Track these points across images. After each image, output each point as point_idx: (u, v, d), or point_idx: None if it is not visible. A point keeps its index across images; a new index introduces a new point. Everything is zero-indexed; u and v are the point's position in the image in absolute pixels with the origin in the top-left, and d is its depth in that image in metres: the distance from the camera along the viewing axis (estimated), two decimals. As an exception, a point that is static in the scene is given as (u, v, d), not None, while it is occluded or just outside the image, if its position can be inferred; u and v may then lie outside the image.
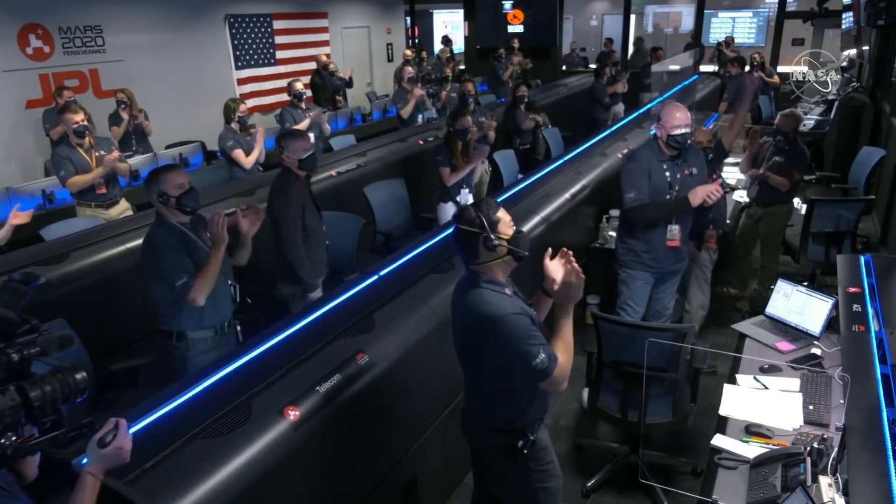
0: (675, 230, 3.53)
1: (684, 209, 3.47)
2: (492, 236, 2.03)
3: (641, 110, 7.38)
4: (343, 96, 9.18)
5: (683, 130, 3.41)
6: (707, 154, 3.92)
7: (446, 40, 13.11)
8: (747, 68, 8.23)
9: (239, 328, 3.12)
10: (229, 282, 3.05)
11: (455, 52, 13.06)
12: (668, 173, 3.49)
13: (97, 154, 4.72)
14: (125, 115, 6.17)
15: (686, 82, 8.61)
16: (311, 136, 5.85)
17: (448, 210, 4.84)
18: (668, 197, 3.49)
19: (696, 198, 3.37)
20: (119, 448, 1.51)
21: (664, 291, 3.74)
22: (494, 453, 2.20)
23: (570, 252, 2.10)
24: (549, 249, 2.15)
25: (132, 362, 3.06)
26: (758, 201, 4.69)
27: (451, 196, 4.87)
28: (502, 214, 2.08)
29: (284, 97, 8.85)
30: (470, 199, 4.87)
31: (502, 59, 10.19)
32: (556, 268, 2.10)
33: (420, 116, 7.27)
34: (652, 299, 3.73)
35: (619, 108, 8.64)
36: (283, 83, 9.70)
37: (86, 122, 4.69)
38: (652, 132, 3.65)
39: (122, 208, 4.89)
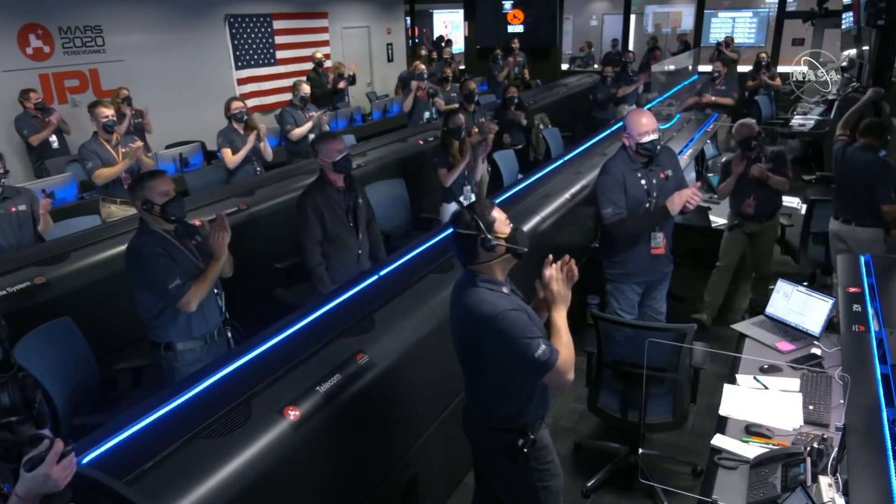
0: (659, 238, 3.47)
1: (665, 219, 3.42)
2: (489, 237, 2.04)
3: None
4: (347, 95, 9.23)
5: (652, 137, 3.32)
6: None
7: (442, 41, 13.12)
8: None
9: (230, 335, 3.07)
10: (216, 290, 2.99)
11: (454, 52, 13.05)
12: (643, 181, 3.41)
13: (123, 150, 4.78)
14: (127, 112, 6.22)
15: (685, 83, 8.61)
16: (312, 136, 5.90)
17: (451, 210, 4.82)
18: (647, 205, 3.41)
19: (675, 206, 3.30)
20: (46, 475, 1.32)
21: (655, 297, 3.69)
22: (495, 452, 2.20)
23: (572, 260, 2.12)
24: (551, 257, 2.15)
25: (137, 362, 3.06)
26: (758, 215, 4.35)
27: (453, 196, 4.85)
28: (497, 214, 2.09)
29: (284, 97, 8.87)
30: (473, 198, 4.86)
31: (499, 60, 10.19)
32: (548, 273, 2.12)
33: (427, 114, 7.28)
34: (644, 306, 3.69)
35: (625, 108, 8.61)
36: (283, 83, 9.75)
37: (115, 118, 4.77)
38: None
39: None
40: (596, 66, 12.99)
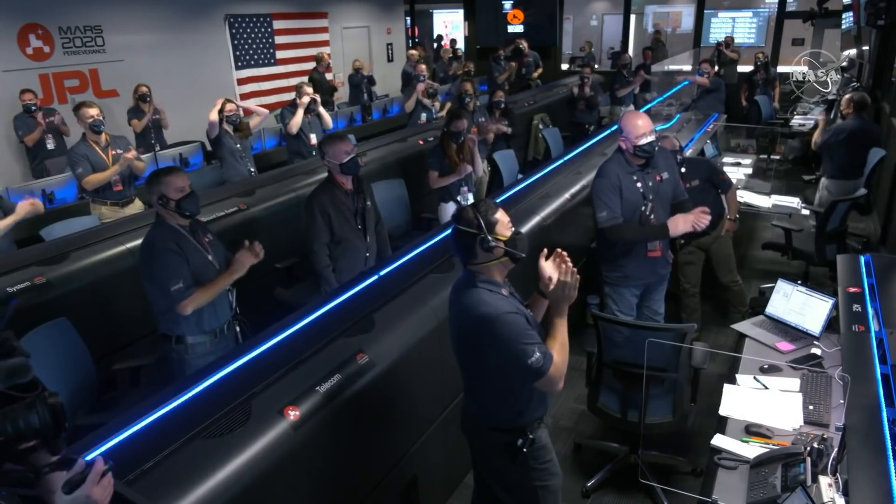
0: (656, 241, 3.45)
1: (662, 238, 3.39)
2: (489, 238, 2.03)
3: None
4: (369, 94, 9.28)
5: (650, 139, 3.28)
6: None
7: (441, 40, 13.11)
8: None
9: (238, 329, 3.12)
10: (227, 287, 3.03)
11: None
12: (639, 184, 3.37)
13: (113, 152, 4.75)
14: (146, 109, 6.26)
15: (685, 83, 8.61)
16: (313, 136, 5.90)
17: (449, 209, 4.82)
18: (642, 208, 3.38)
19: (678, 229, 3.29)
20: (87, 496, 1.26)
21: (653, 299, 3.66)
22: (494, 452, 2.20)
23: (564, 252, 2.10)
24: (545, 250, 2.15)
25: (134, 362, 3.06)
26: (698, 234, 4.12)
27: (451, 196, 4.85)
28: (501, 216, 2.08)
29: (284, 97, 8.88)
30: (471, 199, 4.85)
31: (500, 61, 10.17)
32: (550, 268, 2.11)
33: (424, 115, 7.28)
34: (643, 307, 3.66)
35: (621, 110, 8.57)
36: (283, 83, 9.76)
37: (101, 118, 4.71)
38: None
39: (137, 207, 4.89)
40: (596, 66, 12.97)
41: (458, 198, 4.85)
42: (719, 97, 8.17)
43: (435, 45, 13.92)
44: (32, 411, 1.22)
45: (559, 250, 2.11)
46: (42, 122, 6.07)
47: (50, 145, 6.17)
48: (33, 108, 6.12)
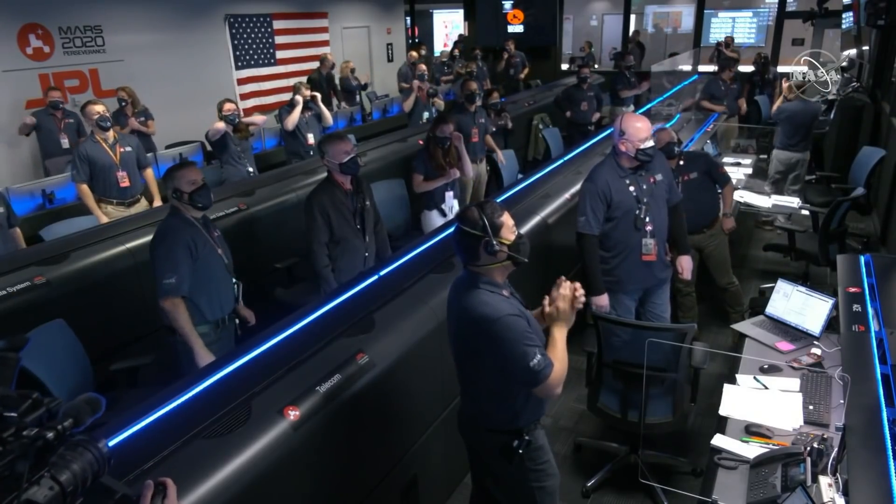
0: (650, 244, 3.35)
1: (592, 284, 3.33)
2: (493, 241, 2.02)
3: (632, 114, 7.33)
4: (359, 99, 9.30)
5: (652, 143, 3.24)
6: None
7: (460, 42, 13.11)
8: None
9: (238, 321, 3.21)
10: (234, 280, 3.15)
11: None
12: (632, 188, 3.30)
13: (122, 150, 4.78)
14: (129, 113, 6.27)
15: (686, 83, 8.60)
16: (310, 136, 5.90)
17: (432, 217, 4.67)
18: (637, 212, 3.29)
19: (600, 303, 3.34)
20: None
21: (655, 303, 3.56)
22: (491, 453, 2.20)
23: (577, 284, 2.12)
24: (562, 278, 2.13)
25: (132, 362, 3.07)
26: (692, 229, 3.97)
27: (435, 203, 4.68)
28: (506, 219, 2.07)
29: (285, 97, 8.88)
30: (456, 206, 4.68)
31: (478, 60, 10.20)
32: (555, 293, 2.11)
33: (426, 114, 7.28)
34: (646, 311, 3.57)
35: (622, 111, 8.54)
36: (283, 83, 9.76)
37: (108, 115, 4.78)
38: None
39: (143, 207, 4.91)
40: (596, 66, 12.96)
41: (443, 205, 4.67)
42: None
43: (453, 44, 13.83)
44: (88, 450, 1.15)
45: (577, 284, 2.12)
46: (73, 143, 6.07)
47: (65, 144, 6.18)
48: (60, 104, 6.14)
